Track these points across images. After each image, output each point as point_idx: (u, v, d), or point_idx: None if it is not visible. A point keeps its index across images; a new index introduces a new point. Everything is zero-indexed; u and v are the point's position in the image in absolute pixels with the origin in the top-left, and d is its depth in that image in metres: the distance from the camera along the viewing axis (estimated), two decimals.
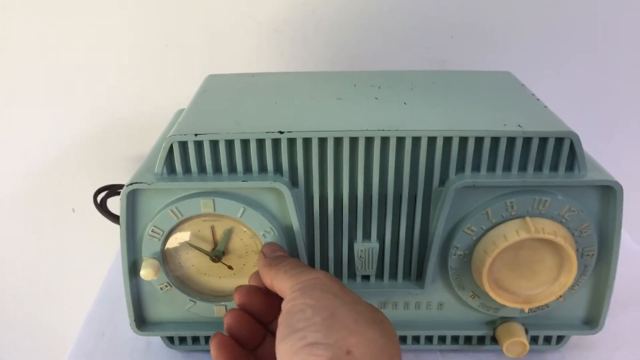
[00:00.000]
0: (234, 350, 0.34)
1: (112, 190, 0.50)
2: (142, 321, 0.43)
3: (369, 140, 0.37)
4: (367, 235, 0.40)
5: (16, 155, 0.69)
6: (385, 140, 0.37)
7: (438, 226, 0.39)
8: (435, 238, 0.39)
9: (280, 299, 0.33)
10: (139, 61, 0.64)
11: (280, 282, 0.33)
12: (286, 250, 0.39)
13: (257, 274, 0.37)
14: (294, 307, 0.30)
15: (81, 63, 0.64)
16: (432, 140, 0.37)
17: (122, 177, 0.53)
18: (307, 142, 0.37)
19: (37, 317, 0.82)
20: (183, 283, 0.41)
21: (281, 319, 0.30)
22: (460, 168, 0.38)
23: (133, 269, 0.40)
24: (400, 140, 0.37)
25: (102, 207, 0.49)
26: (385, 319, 0.31)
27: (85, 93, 0.66)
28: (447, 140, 0.37)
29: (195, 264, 0.41)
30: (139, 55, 0.64)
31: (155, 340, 0.46)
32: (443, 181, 0.38)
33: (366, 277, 0.42)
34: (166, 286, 0.41)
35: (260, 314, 0.36)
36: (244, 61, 0.63)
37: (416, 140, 0.37)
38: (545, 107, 0.41)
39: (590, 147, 0.42)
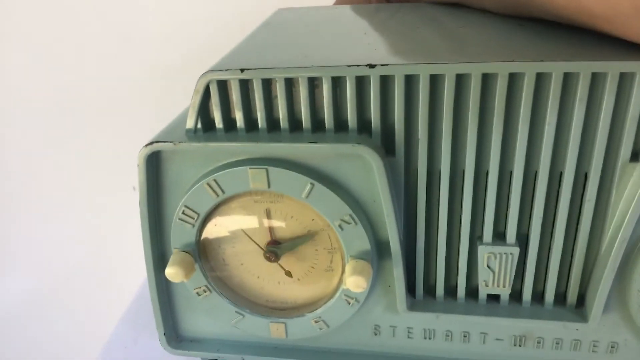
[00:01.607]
0: None
1: None
2: (174, 336, 0.32)
3: (516, 78, 0.23)
4: (500, 234, 0.26)
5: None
6: (543, 78, 0.22)
7: (625, 225, 0.24)
8: (618, 243, 0.24)
9: None
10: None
11: None
12: None
13: None
14: None
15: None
16: (628, 77, 0.22)
17: None
18: (410, 81, 0.24)
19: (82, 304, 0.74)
20: (227, 288, 0.30)
21: None
22: None
23: (160, 264, 0.29)
24: (570, 77, 0.22)
25: None
26: None
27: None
28: None
29: (245, 263, 0.29)
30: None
31: None
32: (638, 153, 0.23)
33: (495, 298, 0.28)
34: (204, 290, 0.29)
35: None
36: None
37: (599, 78, 0.22)
38: None
39: None
